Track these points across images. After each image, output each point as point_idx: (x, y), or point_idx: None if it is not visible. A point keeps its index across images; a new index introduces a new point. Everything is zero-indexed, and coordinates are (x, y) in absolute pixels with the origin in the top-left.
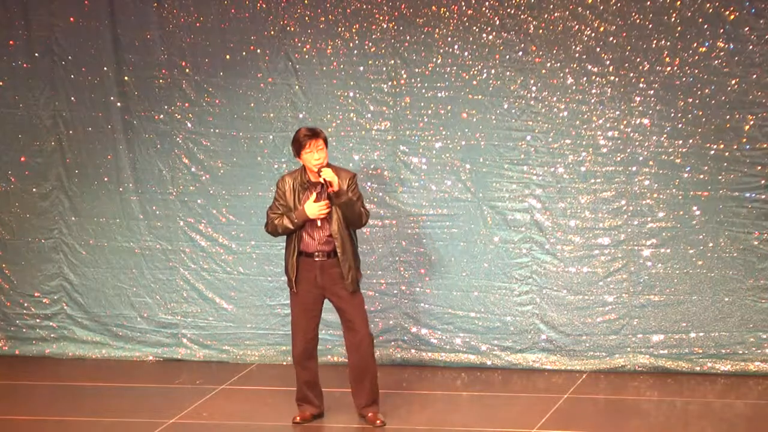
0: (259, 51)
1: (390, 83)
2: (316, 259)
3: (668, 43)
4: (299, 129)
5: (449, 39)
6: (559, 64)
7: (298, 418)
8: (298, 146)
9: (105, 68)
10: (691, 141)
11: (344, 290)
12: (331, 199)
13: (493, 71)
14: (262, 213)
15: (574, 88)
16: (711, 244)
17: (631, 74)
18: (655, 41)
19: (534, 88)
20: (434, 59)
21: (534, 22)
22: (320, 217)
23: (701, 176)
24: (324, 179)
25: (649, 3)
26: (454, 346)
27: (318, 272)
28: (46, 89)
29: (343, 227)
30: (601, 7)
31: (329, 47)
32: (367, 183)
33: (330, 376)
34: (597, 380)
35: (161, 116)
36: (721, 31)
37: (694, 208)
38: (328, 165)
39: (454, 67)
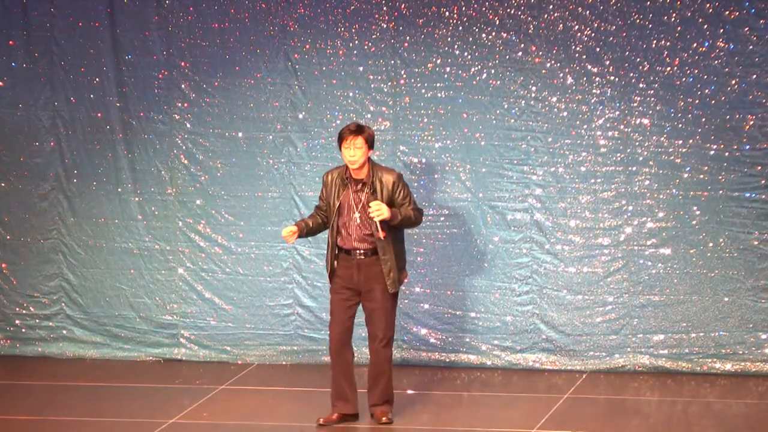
0: (258, 51)
1: (390, 83)
2: (355, 257)
3: (668, 43)
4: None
5: (449, 39)
6: (559, 64)
7: (321, 420)
8: (339, 139)
9: (104, 68)
10: (691, 141)
11: (380, 291)
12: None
13: (493, 71)
14: (261, 213)
15: (574, 88)
16: (711, 244)
17: (631, 74)
18: (655, 41)
19: (534, 88)
20: (434, 59)
21: (534, 22)
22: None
23: (701, 176)
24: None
25: (649, 3)
26: (454, 346)
27: (355, 271)
28: (45, 89)
29: (386, 227)
30: (601, 7)
31: (329, 47)
32: None
33: None
34: (597, 380)
35: (160, 116)
36: (721, 31)
37: (694, 208)
38: (374, 164)
39: (454, 67)
